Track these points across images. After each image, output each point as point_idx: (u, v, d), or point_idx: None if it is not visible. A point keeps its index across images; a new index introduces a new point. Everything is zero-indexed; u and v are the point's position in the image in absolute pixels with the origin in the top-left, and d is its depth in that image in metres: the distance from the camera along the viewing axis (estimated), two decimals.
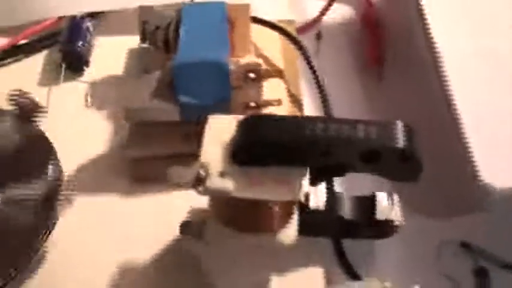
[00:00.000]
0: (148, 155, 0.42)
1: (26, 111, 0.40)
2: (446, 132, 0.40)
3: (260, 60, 0.40)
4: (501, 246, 0.39)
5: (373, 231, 0.38)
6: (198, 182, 0.32)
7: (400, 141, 0.31)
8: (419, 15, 0.42)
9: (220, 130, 0.34)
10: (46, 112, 0.42)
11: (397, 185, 0.39)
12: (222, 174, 0.33)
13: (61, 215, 0.38)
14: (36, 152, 0.39)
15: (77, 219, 0.40)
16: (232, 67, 0.40)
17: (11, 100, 0.40)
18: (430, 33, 0.40)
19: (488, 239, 0.39)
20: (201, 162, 0.33)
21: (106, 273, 0.38)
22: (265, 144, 0.32)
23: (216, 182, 0.32)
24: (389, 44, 0.50)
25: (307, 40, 0.51)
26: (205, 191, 0.32)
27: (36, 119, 0.41)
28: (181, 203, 0.38)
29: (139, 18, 0.44)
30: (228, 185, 0.32)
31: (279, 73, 0.42)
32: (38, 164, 0.38)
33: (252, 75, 0.40)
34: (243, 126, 0.33)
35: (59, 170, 0.38)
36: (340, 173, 0.34)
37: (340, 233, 0.39)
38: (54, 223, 0.37)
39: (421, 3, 0.42)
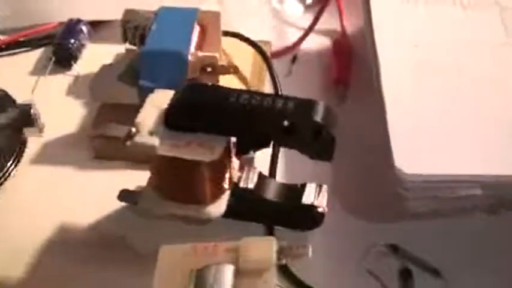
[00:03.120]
0: (109, 134, 0.46)
1: None
2: (381, 142, 0.42)
3: (217, 55, 0.44)
4: (426, 250, 0.40)
5: (298, 218, 0.39)
6: (128, 137, 0.35)
7: (316, 116, 0.34)
8: (370, 35, 0.46)
9: (160, 99, 0.38)
10: None
11: (337, 186, 0.43)
12: (151, 133, 0.36)
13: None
14: None
15: (34, 178, 0.44)
16: (190, 58, 0.44)
17: None
18: (375, 48, 0.44)
19: (415, 243, 0.40)
20: (135, 122, 0.36)
21: (44, 233, 0.41)
22: (192, 107, 0.35)
23: (144, 138, 0.35)
24: (356, 71, 0.53)
25: (282, 63, 0.55)
26: (133, 145, 0.35)
27: None
28: (133, 181, 0.41)
29: (122, 19, 0.49)
30: (154, 141, 0.35)
31: (235, 69, 0.46)
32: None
33: (209, 69, 0.44)
34: (177, 92, 0.36)
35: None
36: (263, 144, 0.36)
37: (268, 218, 0.40)
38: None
39: (372, 25, 0.46)
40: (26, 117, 0.43)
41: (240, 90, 0.36)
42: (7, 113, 0.44)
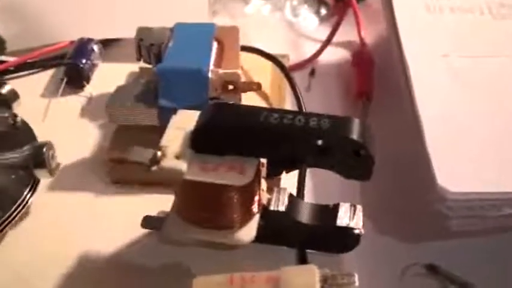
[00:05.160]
0: (130, 158, 0.44)
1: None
2: (417, 159, 0.41)
3: (239, 71, 0.42)
4: (468, 271, 0.38)
5: (333, 240, 0.37)
6: (154, 162, 0.33)
7: (354, 135, 0.32)
8: (397, 46, 0.44)
9: (184, 120, 0.36)
10: None
11: (366, 206, 0.41)
12: (178, 157, 0.34)
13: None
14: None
15: (51, 206, 0.43)
16: (211, 76, 0.42)
17: None
18: (405, 60, 0.42)
19: (454, 262, 0.38)
20: (160, 145, 0.34)
21: (63, 261, 0.39)
22: (221, 129, 0.33)
23: (170, 162, 0.33)
24: (378, 83, 0.52)
25: (300, 76, 0.53)
26: (159, 170, 0.33)
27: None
28: (152, 207, 0.40)
29: (136, 37, 0.47)
30: (181, 166, 0.33)
31: (258, 86, 0.44)
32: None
33: (231, 86, 0.43)
34: (203, 113, 0.35)
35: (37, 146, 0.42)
36: (295, 165, 0.34)
37: (301, 242, 0.38)
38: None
39: (399, 34, 0.44)
40: (38, 158, 0.41)
41: (270, 109, 0.34)
42: (20, 151, 0.42)
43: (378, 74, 0.52)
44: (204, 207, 0.36)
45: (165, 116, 0.41)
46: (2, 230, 0.40)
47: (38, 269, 0.39)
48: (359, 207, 0.38)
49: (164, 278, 0.38)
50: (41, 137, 0.44)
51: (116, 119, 0.44)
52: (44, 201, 0.43)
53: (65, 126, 0.49)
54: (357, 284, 0.29)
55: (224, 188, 0.34)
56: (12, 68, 0.53)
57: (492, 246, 0.39)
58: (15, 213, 0.40)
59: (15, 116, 0.45)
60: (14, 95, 0.44)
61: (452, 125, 0.39)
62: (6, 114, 0.44)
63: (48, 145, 0.42)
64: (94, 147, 0.47)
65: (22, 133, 0.44)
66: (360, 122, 0.33)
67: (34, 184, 0.42)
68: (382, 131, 0.48)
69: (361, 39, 0.55)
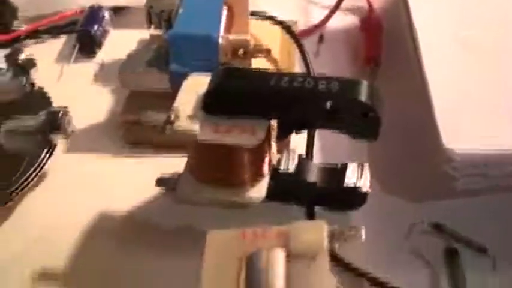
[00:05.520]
0: (144, 120, 0.45)
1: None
2: (424, 122, 0.41)
3: (249, 37, 0.43)
4: (472, 229, 0.39)
5: (341, 199, 0.39)
6: (168, 123, 0.35)
7: (362, 97, 0.33)
8: (406, 12, 0.45)
9: (197, 84, 0.37)
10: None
11: (373, 167, 0.42)
12: (191, 118, 0.35)
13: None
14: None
15: (68, 168, 0.44)
16: (221, 41, 0.43)
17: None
18: (413, 27, 0.42)
19: (459, 220, 0.40)
20: (173, 107, 0.35)
21: (81, 221, 0.41)
22: (232, 91, 0.34)
23: (183, 124, 0.35)
24: (386, 48, 0.52)
25: (309, 42, 0.54)
26: (173, 131, 0.34)
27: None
28: (166, 168, 0.41)
29: (146, 4, 0.48)
30: (194, 127, 0.34)
31: (268, 52, 0.45)
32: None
33: (241, 51, 0.44)
34: (214, 76, 0.36)
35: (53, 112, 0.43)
36: (304, 126, 0.35)
37: (310, 200, 0.40)
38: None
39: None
40: (54, 123, 0.42)
41: (280, 73, 0.35)
42: (37, 116, 0.43)
43: (386, 39, 0.53)
44: (216, 168, 0.37)
45: (176, 80, 0.42)
46: (21, 191, 0.42)
47: (59, 229, 0.41)
48: (366, 167, 0.39)
49: (179, 236, 0.40)
50: (55, 102, 0.46)
51: (128, 85, 0.45)
52: (61, 164, 0.44)
53: (79, 92, 0.50)
54: (363, 236, 0.30)
55: (235, 148, 0.35)
56: (24, 36, 0.55)
57: (496, 205, 0.40)
58: (33, 176, 0.42)
59: (33, 84, 0.46)
60: (31, 63, 0.45)
61: (458, 89, 0.40)
62: (24, 82, 0.45)
63: (64, 110, 0.43)
64: (107, 112, 0.48)
65: (38, 99, 0.46)
66: (368, 85, 0.33)
67: (51, 148, 0.44)
68: (390, 94, 0.49)
69: (370, 4, 0.55)
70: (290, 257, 0.30)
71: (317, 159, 0.43)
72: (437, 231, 0.40)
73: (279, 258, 0.30)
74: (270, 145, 0.37)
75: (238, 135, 0.34)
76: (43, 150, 0.43)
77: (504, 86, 0.40)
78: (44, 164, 0.43)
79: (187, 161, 0.39)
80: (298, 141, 0.43)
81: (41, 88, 0.46)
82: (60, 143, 0.44)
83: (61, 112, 0.43)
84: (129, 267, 0.39)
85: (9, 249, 0.40)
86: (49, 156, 0.43)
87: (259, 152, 0.37)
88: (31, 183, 0.42)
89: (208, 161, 0.37)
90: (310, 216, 0.40)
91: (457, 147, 0.36)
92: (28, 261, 0.39)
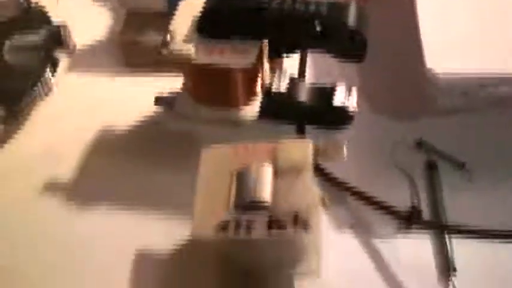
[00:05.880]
0: (140, 40, 0.46)
1: None
2: (410, 44, 0.43)
3: None
4: (452, 146, 0.42)
5: (330, 118, 0.41)
6: (164, 45, 0.36)
7: (349, 19, 0.35)
8: None
9: (192, 7, 0.38)
10: None
11: (363, 88, 0.43)
12: (186, 41, 0.36)
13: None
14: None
15: (73, 87, 0.46)
16: None
17: None
18: None
19: (441, 138, 0.42)
20: (169, 29, 0.37)
21: (85, 137, 0.43)
22: (225, 13, 0.36)
23: (179, 45, 0.36)
24: None
25: None
26: (168, 53, 0.36)
27: None
28: (164, 87, 0.42)
29: None
30: (189, 49, 0.36)
31: None
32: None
33: None
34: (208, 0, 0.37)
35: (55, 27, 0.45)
36: (294, 47, 0.37)
37: (301, 119, 0.42)
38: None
39: None
40: (56, 39, 0.44)
41: None
42: (39, 33, 0.44)
43: None
44: (210, 88, 0.39)
45: (173, 2, 0.43)
46: (29, 106, 0.44)
47: (64, 144, 0.43)
48: (354, 88, 0.41)
49: (176, 150, 0.42)
50: (54, 22, 0.46)
51: (126, 3, 0.46)
52: (65, 81, 0.46)
53: (77, 10, 0.51)
54: (345, 154, 0.32)
55: (229, 69, 0.37)
56: None
57: (475, 124, 0.42)
58: (39, 91, 0.44)
59: (29, 1, 0.47)
60: None
61: (444, 15, 0.41)
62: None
63: (65, 26, 0.44)
64: (107, 31, 0.50)
65: (38, 16, 0.47)
66: (356, 7, 0.35)
67: (54, 64, 0.45)
68: (381, 19, 0.50)
69: None
70: (277, 172, 0.33)
71: (308, 79, 0.45)
72: (419, 147, 0.42)
73: (267, 173, 0.33)
74: (262, 66, 0.39)
75: (231, 56, 0.36)
76: (47, 66, 0.45)
77: (489, 14, 0.41)
78: (49, 81, 0.45)
79: (184, 82, 0.41)
80: (291, 63, 0.44)
81: (39, 5, 0.47)
82: (63, 61, 0.46)
83: (62, 28, 0.44)
84: (130, 180, 0.41)
85: (16, 162, 0.43)
86: (53, 74, 0.45)
87: (252, 72, 0.38)
88: (37, 99, 0.44)
89: (202, 82, 0.39)
90: (301, 133, 0.42)
91: (439, 68, 0.38)
92: (34, 174, 0.42)
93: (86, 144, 0.43)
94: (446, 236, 0.38)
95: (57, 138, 0.44)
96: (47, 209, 0.40)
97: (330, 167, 0.41)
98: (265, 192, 0.31)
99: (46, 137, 0.44)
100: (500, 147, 0.42)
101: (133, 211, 0.39)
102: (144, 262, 0.37)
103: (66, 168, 0.42)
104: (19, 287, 0.37)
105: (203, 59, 0.36)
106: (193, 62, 0.36)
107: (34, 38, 0.44)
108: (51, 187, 0.41)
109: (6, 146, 0.44)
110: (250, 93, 0.40)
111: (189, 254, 0.37)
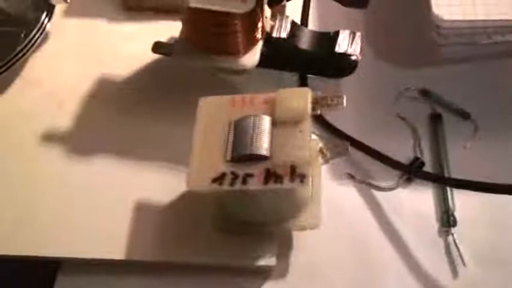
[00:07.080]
0: None
1: None
2: None
3: None
4: (457, 96, 0.40)
5: (332, 66, 0.40)
6: None
7: None
8: None
9: None
10: None
11: (368, 35, 0.42)
12: None
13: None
14: None
15: (70, 33, 0.45)
16: None
17: None
18: None
19: (446, 88, 0.41)
20: None
21: (84, 84, 0.43)
22: None
23: None
24: None
25: None
26: None
27: None
28: (164, 33, 0.42)
29: None
30: None
31: None
32: None
33: None
34: None
35: None
36: None
37: (302, 67, 0.41)
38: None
39: None
40: None
41: None
42: None
43: None
44: (209, 34, 0.38)
45: None
46: (26, 52, 0.43)
47: (62, 91, 0.43)
48: (358, 34, 0.39)
49: (173, 98, 0.41)
50: None
51: None
52: (61, 27, 0.45)
53: None
54: (344, 104, 0.31)
55: (228, 14, 0.36)
56: None
57: (481, 73, 0.41)
58: (36, 37, 0.43)
59: None
60: None
61: None
62: None
63: None
64: None
65: None
66: None
67: (50, 9, 0.44)
68: None
69: None
70: (276, 122, 0.33)
71: (312, 26, 0.43)
72: (423, 97, 0.41)
73: (264, 124, 0.32)
74: (262, 11, 0.38)
75: (229, 1, 0.34)
76: (42, 12, 0.44)
77: None
78: (46, 25, 0.44)
79: (182, 28, 0.40)
80: (294, 9, 0.43)
81: None
82: (60, 7, 0.45)
83: None
84: (128, 130, 0.41)
85: (15, 108, 0.42)
86: (49, 18, 0.44)
87: (251, 18, 0.37)
88: (34, 44, 0.43)
89: (201, 28, 0.38)
90: (302, 83, 0.42)
91: (444, 14, 0.36)
92: (33, 120, 0.41)
93: (84, 93, 0.42)
94: (448, 189, 0.37)
95: (56, 84, 0.43)
96: (45, 156, 0.40)
97: (330, 117, 0.41)
98: (263, 144, 0.31)
99: (43, 84, 0.43)
100: (506, 97, 0.41)
101: (130, 161, 0.39)
102: (142, 212, 0.37)
103: (63, 116, 0.41)
104: (17, 234, 0.37)
105: (201, 3, 0.34)
106: (190, 6, 0.35)
107: None
108: (51, 135, 0.41)
109: (5, 92, 0.43)
110: (251, 40, 0.38)
111: (186, 203, 0.37)
